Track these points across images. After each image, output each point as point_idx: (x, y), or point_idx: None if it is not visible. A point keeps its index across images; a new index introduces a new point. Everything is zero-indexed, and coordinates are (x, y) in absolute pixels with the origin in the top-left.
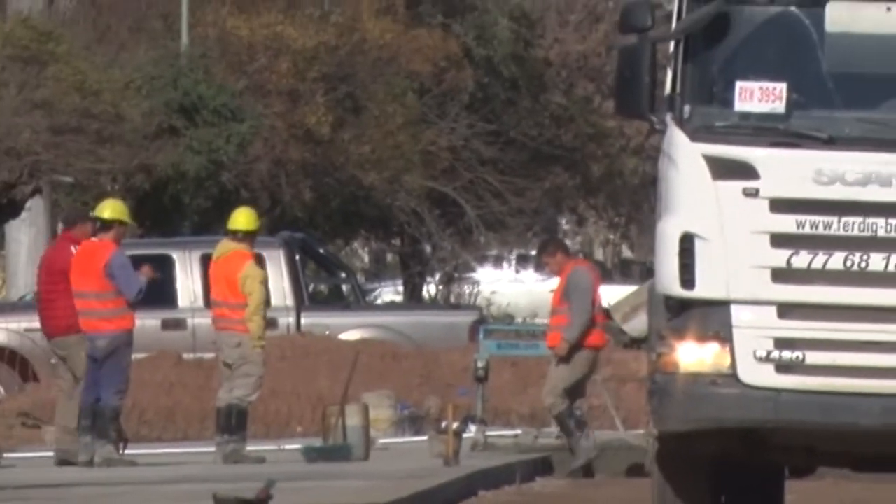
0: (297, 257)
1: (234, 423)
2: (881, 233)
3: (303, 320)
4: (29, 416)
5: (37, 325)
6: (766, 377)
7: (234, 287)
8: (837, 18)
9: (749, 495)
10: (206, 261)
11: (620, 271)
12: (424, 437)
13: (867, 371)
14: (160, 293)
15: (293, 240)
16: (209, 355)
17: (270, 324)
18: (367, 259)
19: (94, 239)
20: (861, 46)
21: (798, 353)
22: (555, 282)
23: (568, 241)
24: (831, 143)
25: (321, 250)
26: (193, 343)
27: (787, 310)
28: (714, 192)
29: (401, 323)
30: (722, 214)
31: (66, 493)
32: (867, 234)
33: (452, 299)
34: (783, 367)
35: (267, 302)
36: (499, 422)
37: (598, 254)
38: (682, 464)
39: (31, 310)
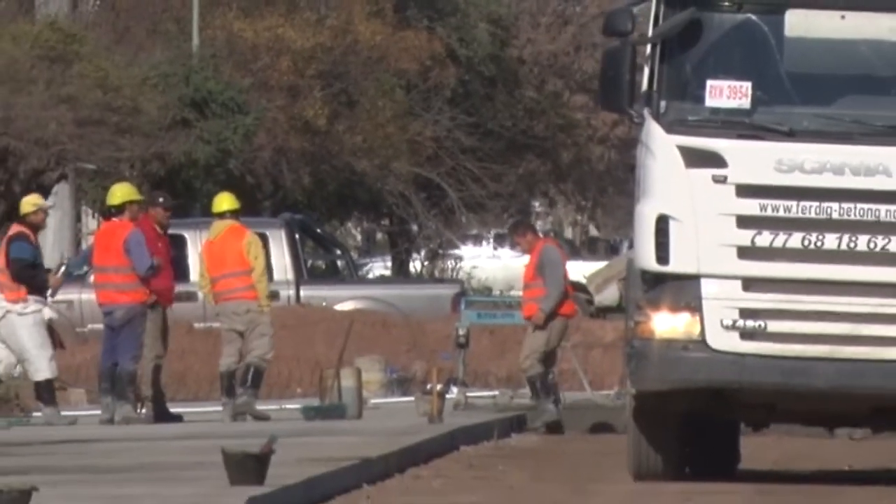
0: (297, 236)
1: (250, 380)
2: (835, 215)
3: (302, 293)
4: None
5: (64, 297)
6: (732, 343)
7: (239, 256)
8: (796, 25)
9: (711, 447)
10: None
11: (588, 248)
12: (411, 398)
13: (822, 338)
14: (174, 269)
15: (293, 220)
16: (217, 325)
17: (272, 296)
18: (359, 238)
19: (114, 220)
20: (818, 50)
21: (760, 322)
22: (528, 258)
23: (540, 222)
24: (791, 135)
25: (318, 230)
26: (204, 313)
27: (750, 283)
28: (686, 178)
29: (390, 295)
30: (693, 198)
31: (88, 448)
32: (822, 216)
33: (436, 273)
34: (747, 335)
35: (269, 276)
36: (478, 384)
37: (568, 233)
38: (656, 419)
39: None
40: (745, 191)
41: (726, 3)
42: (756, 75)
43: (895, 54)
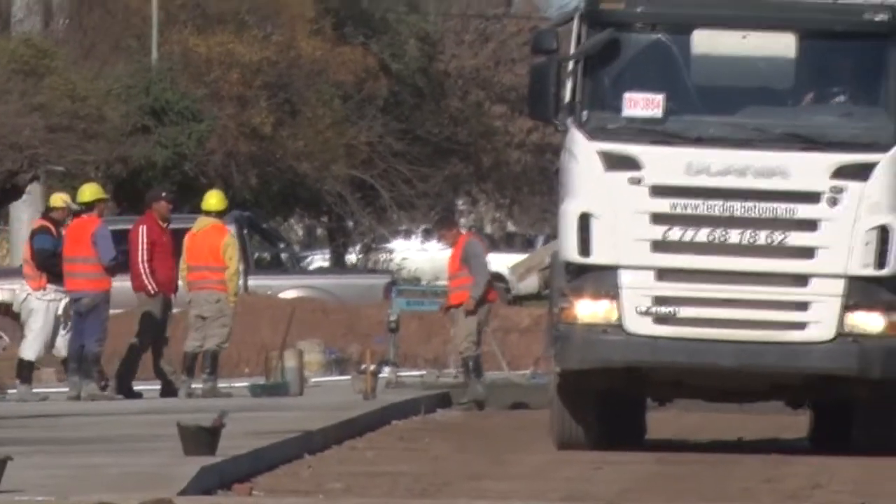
0: (245, 231)
1: (209, 365)
2: (738, 213)
3: (249, 282)
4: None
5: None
6: (646, 327)
7: (216, 253)
8: (702, 43)
9: (622, 421)
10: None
11: (505, 242)
12: (348, 377)
13: (726, 322)
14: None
15: (242, 217)
16: (177, 310)
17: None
18: (301, 233)
19: (83, 216)
20: (722, 65)
21: (672, 308)
22: (452, 251)
23: (463, 219)
24: (699, 142)
25: (264, 226)
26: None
27: (663, 274)
28: (606, 180)
29: (328, 284)
30: (612, 198)
31: (58, 422)
32: (727, 214)
33: (370, 265)
34: (660, 319)
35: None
36: (408, 364)
37: (488, 228)
38: (578, 396)
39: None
40: (658, 191)
41: (640, 25)
42: (668, 88)
43: (790, 69)
